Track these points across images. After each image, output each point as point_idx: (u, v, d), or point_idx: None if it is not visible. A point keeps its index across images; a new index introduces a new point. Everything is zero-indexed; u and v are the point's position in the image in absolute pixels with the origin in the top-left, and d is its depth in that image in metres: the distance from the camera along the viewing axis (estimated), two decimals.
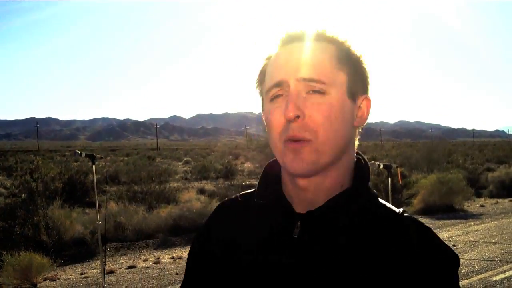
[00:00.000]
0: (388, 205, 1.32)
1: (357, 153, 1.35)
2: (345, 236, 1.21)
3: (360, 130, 1.35)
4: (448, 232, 13.85)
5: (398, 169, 7.21)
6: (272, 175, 1.38)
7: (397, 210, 1.30)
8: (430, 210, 17.75)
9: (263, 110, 1.33)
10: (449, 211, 17.87)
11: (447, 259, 1.20)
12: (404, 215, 1.28)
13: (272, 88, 1.24)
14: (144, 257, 11.74)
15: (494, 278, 8.97)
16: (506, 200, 21.65)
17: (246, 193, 1.47)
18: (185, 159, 53.96)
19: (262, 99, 1.34)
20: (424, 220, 15.94)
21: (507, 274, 9.23)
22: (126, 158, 48.09)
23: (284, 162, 1.23)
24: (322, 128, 1.19)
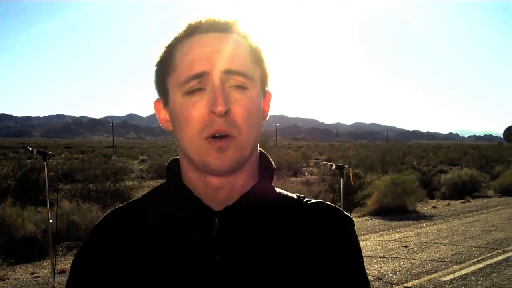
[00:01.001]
0: (285, 192, 1.36)
1: (260, 150, 1.34)
2: (263, 229, 1.22)
3: None
4: (400, 233, 14.06)
5: (350, 170, 7.28)
6: (177, 175, 1.29)
7: (295, 195, 1.35)
8: (383, 211, 18.00)
9: (167, 102, 1.24)
10: (402, 212, 18.15)
11: (349, 225, 1.32)
12: (305, 199, 1.33)
13: (190, 80, 1.16)
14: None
15: (443, 279, 9.14)
16: (457, 202, 22.13)
17: (140, 198, 1.36)
18: (141, 157, 53.67)
19: (167, 92, 1.23)
20: (377, 221, 16.30)
21: (456, 274, 9.41)
22: (81, 156, 47.46)
23: (205, 160, 1.17)
24: (245, 124, 1.17)
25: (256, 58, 1.23)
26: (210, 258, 1.18)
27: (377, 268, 9.96)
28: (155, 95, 1.30)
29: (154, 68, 1.27)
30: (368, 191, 20.08)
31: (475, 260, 10.59)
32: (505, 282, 8.71)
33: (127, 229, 1.26)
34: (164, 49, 1.25)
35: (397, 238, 13.31)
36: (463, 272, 9.60)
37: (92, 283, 1.23)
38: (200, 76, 1.15)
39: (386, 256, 11.08)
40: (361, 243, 10.02)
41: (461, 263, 10.36)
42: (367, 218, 17.32)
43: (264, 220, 1.24)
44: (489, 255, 11.02)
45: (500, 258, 10.58)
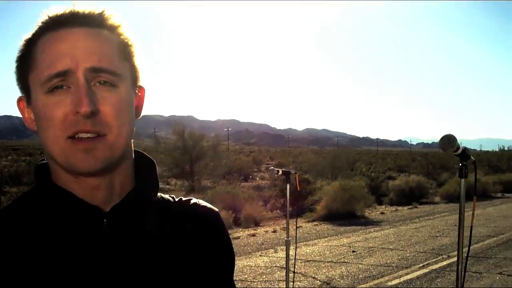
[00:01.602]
0: (165, 195, 1.37)
1: (135, 149, 1.31)
2: (149, 227, 1.22)
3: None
4: (349, 238, 14.22)
5: (297, 175, 7.33)
6: (47, 178, 1.20)
7: (173, 197, 1.37)
8: (332, 216, 18.18)
9: (30, 101, 1.16)
10: (351, 217, 18.37)
11: (219, 221, 1.38)
12: (185, 199, 1.37)
13: (51, 78, 1.08)
14: None
15: (389, 283, 9.28)
16: (405, 208, 22.53)
17: (10, 205, 1.23)
18: None
19: (29, 90, 1.15)
20: (326, 226, 16.46)
21: (402, 279, 9.57)
22: (28, 158, 46.47)
23: (70, 162, 1.10)
24: (116, 122, 1.11)
25: (125, 54, 1.18)
26: (100, 257, 1.14)
27: (325, 272, 10.06)
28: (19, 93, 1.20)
29: (15, 64, 1.18)
30: (317, 197, 20.27)
31: (421, 265, 10.79)
32: (450, 287, 8.90)
33: (10, 235, 1.14)
34: (24, 43, 1.16)
35: (345, 243, 13.46)
36: (408, 277, 9.77)
37: None
38: (63, 74, 1.08)
39: (334, 261, 11.19)
40: (310, 248, 10.15)
41: (407, 268, 10.54)
42: (316, 223, 17.45)
43: (150, 218, 1.24)
44: (434, 260, 11.25)
45: (444, 263, 10.80)
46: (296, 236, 7.86)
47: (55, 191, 1.17)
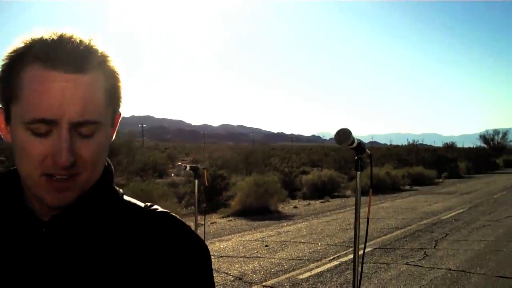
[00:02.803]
0: (134, 201, 1.34)
1: None
2: (94, 235, 1.21)
3: None
4: (262, 233, 14.33)
5: (205, 170, 7.32)
6: (13, 186, 1.23)
7: (142, 204, 1.34)
8: (247, 212, 18.27)
9: (9, 121, 1.15)
10: (265, 212, 18.52)
11: (201, 247, 1.28)
12: (151, 208, 1.32)
13: (35, 122, 1.08)
14: None
15: (301, 276, 9.41)
16: (317, 202, 22.94)
17: None
18: None
19: (9, 114, 1.14)
20: (240, 221, 16.53)
21: (313, 272, 9.72)
22: None
23: (42, 196, 1.13)
24: (92, 165, 1.15)
25: (111, 97, 1.18)
26: (36, 267, 1.17)
27: (238, 268, 10.10)
28: None
29: None
30: (232, 192, 20.33)
31: (331, 257, 11.00)
32: (357, 279, 9.10)
33: None
34: (7, 63, 1.12)
35: (259, 237, 13.56)
36: (319, 269, 9.94)
37: None
38: (47, 123, 1.08)
39: (247, 256, 11.25)
40: (224, 244, 10.15)
41: (318, 261, 10.72)
42: (230, 218, 17.50)
43: (96, 226, 1.22)
44: (344, 252, 11.50)
45: None
46: (204, 232, 7.86)
47: (11, 197, 1.22)
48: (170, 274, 1.20)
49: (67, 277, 1.15)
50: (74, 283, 1.15)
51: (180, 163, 7.51)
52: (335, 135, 3.54)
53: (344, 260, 10.68)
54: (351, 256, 10.90)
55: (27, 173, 1.12)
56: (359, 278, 3.87)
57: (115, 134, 1.29)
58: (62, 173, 1.11)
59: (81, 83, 1.10)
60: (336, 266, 10.16)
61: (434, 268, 9.98)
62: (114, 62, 1.19)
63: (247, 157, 34.41)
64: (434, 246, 12.14)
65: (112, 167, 1.32)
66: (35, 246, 1.18)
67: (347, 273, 9.53)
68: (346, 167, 36.93)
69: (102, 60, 1.15)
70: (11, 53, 1.13)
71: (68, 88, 1.08)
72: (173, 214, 1.30)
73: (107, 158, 1.29)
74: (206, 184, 7.37)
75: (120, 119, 1.29)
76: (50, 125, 1.08)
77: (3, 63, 1.13)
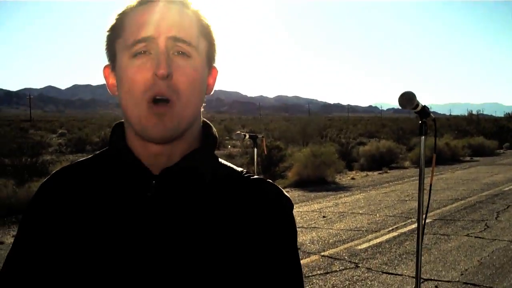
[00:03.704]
0: (230, 165, 1.39)
1: (203, 120, 1.38)
2: (199, 195, 1.26)
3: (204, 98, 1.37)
4: (319, 204, 14.34)
5: (264, 139, 7.33)
6: (120, 138, 1.33)
7: (239, 169, 1.38)
8: (304, 183, 18.30)
9: (114, 66, 1.28)
10: (322, 183, 18.51)
11: (289, 204, 1.34)
12: (247, 174, 1.36)
13: (136, 43, 1.20)
14: (13, 233, 11.30)
15: (359, 247, 9.39)
16: (375, 173, 22.73)
17: (86, 159, 1.40)
18: (60, 131, 52.28)
19: (115, 56, 1.27)
20: (297, 192, 16.55)
21: (371, 243, 9.70)
22: None
23: (145, 126, 1.21)
24: (186, 91, 1.20)
25: (204, 32, 1.28)
26: (143, 216, 1.23)
27: None
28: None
29: (106, 34, 1.30)
30: (289, 163, 20.36)
31: (390, 228, 10.94)
32: (421, 246, 9.03)
33: (71, 187, 1.31)
34: (116, 16, 1.28)
35: (316, 208, 13.58)
36: (378, 240, 9.91)
37: (36, 238, 1.28)
38: (146, 40, 1.19)
39: (305, 226, 11.28)
40: None
41: (376, 232, 10.68)
42: (288, 189, 17.53)
43: (201, 186, 1.28)
44: (403, 223, 11.41)
45: (413, 226, 10.91)
46: None
47: (118, 151, 1.31)
48: (263, 240, 1.25)
49: (171, 232, 1.22)
50: (178, 240, 1.21)
51: (239, 132, 7.54)
52: (399, 98, 3.47)
53: (403, 231, 10.61)
54: (410, 227, 10.85)
55: (134, 102, 1.21)
56: (420, 246, 3.82)
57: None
58: (162, 91, 1.18)
59: (176, 9, 1.24)
60: (394, 237, 10.10)
61: (495, 239, 9.81)
62: (206, 15, 1.31)
63: (303, 128, 34.29)
64: (496, 218, 11.91)
65: (216, 132, 1.40)
66: (143, 200, 1.25)
67: (406, 244, 9.47)
68: (404, 137, 36.46)
69: (194, 7, 1.28)
70: (118, 9, 1.29)
71: (164, 11, 1.22)
72: (269, 180, 1.35)
73: (207, 120, 1.38)
74: (265, 152, 7.42)
75: (217, 75, 1.38)
76: (149, 43, 1.20)
77: (112, 18, 1.29)
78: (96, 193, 1.28)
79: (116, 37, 1.27)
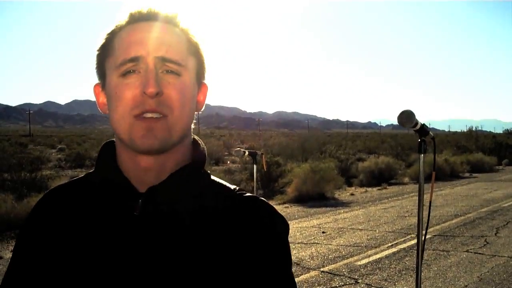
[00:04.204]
0: (223, 182, 1.39)
1: (193, 137, 1.40)
2: (187, 211, 1.26)
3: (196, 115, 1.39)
4: (319, 220, 14.33)
5: (263, 156, 7.36)
6: (109, 156, 1.35)
7: (232, 186, 1.37)
8: (303, 198, 18.28)
9: (104, 85, 1.30)
10: (321, 199, 18.50)
11: (283, 225, 1.33)
12: (239, 192, 1.35)
13: (125, 63, 1.22)
14: (12, 248, 11.27)
15: (359, 263, 9.39)
16: (374, 189, 22.70)
17: (79, 178, 1.43)
18: (59, 146, 52.25)
19: (105, 75, 1.29)
20: (296, 208, 16.55)
21: (371, 258, 9.69)
22: None
23: (133, 138, 1.22)
24: (177, 105, 1.22)
25: (193, 50, 1.30)
26: (130, 236, 1.23)
27: (295, 254, 10.12)
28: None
29: (96, 53, 1.32)
30: (288, 179, 20.34)
31: (389, 244, 10.94)
32: (420, 261, 9.02)
33: (63, 206, 1.34)
34: (106, 35, 1.30)
35: (315, 224, 13.56)
36: (377, 256, 9.90)
37: (29, 255, 1.32)
38: (135, 60, 1.22)
39: (304, 242, 11.27)
40: None
41: (376, 247, 10.67)
42: (287, 205, 17.53)
43: (189, 205, 1.27)
44: (402, 239, 11.40)
45: (413, 242, 10.92)
46: None
47: (106, 169, 1.32)
48: (254, 262, 1.24)
49: (158, 252, 1.22)
50: (165, 258, 1.21)
51: (238, 148, 7.57)
52: (398, 117, 3.51)
53: (402, 247, 10.60)
54: (410, 243, 10.85)
55: (120, 116, 1.23)
56: (420, 262, 3.83)
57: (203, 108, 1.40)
58: (151, 108, 1.20)
59: (164, 28, 1.26)
60: (394, 253, 10.09)
61: (495, 255, 9.81)
62: (196, 32, 1.33)
63: (302, 144, 34.39)
64: (495, 234, 11.92)
65: (205, 148, 1.40)
66: (130, 218, 1.25)
67: (406, 260, 9.46)
68: (403, 154, 36.43)
69: (183, 24, 1.31)
70: (108, 29, 1.31)
71: (153, 31, 1.25)
72: (262, 198, 1.34)
73: (199, 139, 1.40)
74: (265, 168, 7.44)
75: (207, 91, 1.39)
76: (138, 63, 1.22)
77: (102, 37, 1.31)
78: (86, 212, 1.29)
79: (105, 56, 1.29)
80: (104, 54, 1.29)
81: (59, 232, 1.29)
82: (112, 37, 1.28)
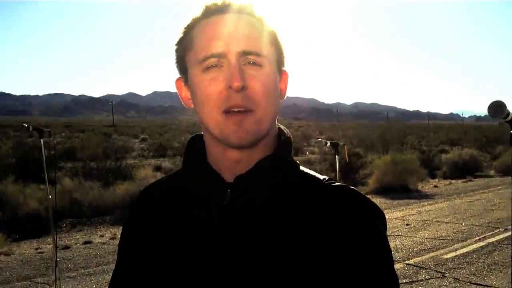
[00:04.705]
0: (312, 172, 1.35)
1: (278, 126, 1.38)
2: (276, 200, 1.25)
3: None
4: (402, 212, 14.12)
5: (345, 147, 7.26)
6: (196, 150, 1.36)
7: (321, 176, 1.33)
8: (385, 190, 18.05)
9: (187, 80, 1.31)
10: (403, 191, 18.19)
11: (377, 215, 1.27)
12: (329, 181, 1.31)
13: (207, 58, 1.22)
14: (101, 233, 11.70)
15: (445, 256, 9.19)
16: (459, 181, 22.14)
17: (171, 174, 1.46)
18: (141, 136, 53.50)
19: (186, 69, 1.30)
20: (379, 199, 16.33)
21: (458, 252, 9.46)
22: (81, 135, 47.40)
23: (225, 133, 1.22)
24: (263, 98, 1.22)
25: (271, 39, 1.28)
26: (221, 225, 1.24)
27: None
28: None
29: (174, 48, 1.33)
30: (369, 170, 20.13)
31: (477, 238, 10.65)
32: (507, 260, 8.74)
33: (158, 200, 1.38)
34: (183, 29, 1.30)
35: (399, 216, 13.37)
36: (465, 250, 9.66)
37: (130, 247, 1.39)
38: (217, 56, 1.21)
39: (388, 234, 11.01)
40: None
41: (462, 241, 10.42)
42: (369, 196, 17.31)
43: (278, 193, 1.26)
44: (490, 233, 11.07)
45: (501, 236, 10.63)
46: None
47: (196, 162, 1.35)
48: (353, 252, 1.19)
49: (249, 240, 1.21)
50: (256, 247, 1.20)
51: (320, 139, 7.52)
52: (488, 107, 3.36)
53: (491, 241, 10.30)
54: (499, 237, 10.53)
55: (209, 113, 1.23)
56: None
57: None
58: (238, 103, 1.20)
59: (242, 20, 1.25)
60: (482, 247, 9.82)
61: None
62: (272, 21, 1.31)
63: (382, 135, 33.86)
64: None
65: (291, 137, 1.37)
66: (221, 208, 1.25)
67: (495, 254, 9.19)
68: (488, 146, 35.38)
69: (259, 14, 1.29)
70: (185, 23, 1.31)
71: (231, 25, 1.23)
72: (353, 188, 1.29)
73: (285, 128, 1.37)
74: (347, 160, 7.34)
75: (288, 79, 1.38)
76: (220, 58, 1.22)
77: (179, 32, 1.32)
78: (180, 205, 1.32)
79: (185, 51, 1.30)
80: (183, 49, 1.30)
81: (156, 226, 1.33)
82: (189, 31, 1.29)
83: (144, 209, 1.39)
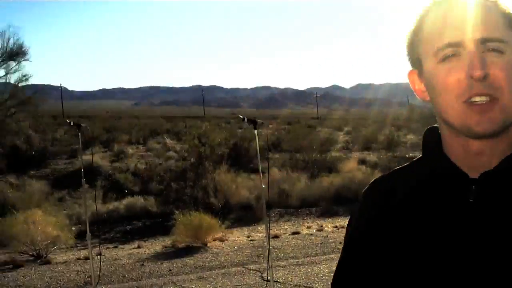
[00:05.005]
0: None
1: None
2: None
3: None
4: None
5: None
6: (433, 142, 1.29)
7: None
8: None
9: (421, 72, 1.25)
10: None
11: None
12: None
13: (444, 48, 1.15)
14: (308, 224, 11.96)
15: None
16: None
17: (403, 166, 1.39)
18: (346, 129, 53.78)
19: (420, 61, 1.24)
20: None
21: None
22: (287, 127, 48.75)
23: (467, 124, 1.14)
24: (506, 86, 1.12)
25: (509, 23, 1.18)
26: (468, 223, 1.16)
27: None
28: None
29: (406, 40, 1.28)
30: None
31: None
32: None
33: (389, 194, 1.30)
34: (414, 20, 1.25)
35: None
36: None
37: (365, 242, 1.30)
38: (454, 45, 1.14)
39: None
40: None
41: None
42: None
43: None
44: None
45: None
46: None
47: (432, 157, 1.28)
48: None
49: (498, 240, 1.12)
50: (506, 248, 1.11)
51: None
52: None
53: None
54: None
55: (447, 104, 1.16)
56: None
57: None
58: (480, 92, 1.11)
59: (476, 5, 1.16)
60: None
61: None
62: (508, 3, 1.20)
63: None
64: None
65: None
66: (465, 205, 1.18)
67: None
68: None
69: None
70: (417, 12, 1.26)
71: (465, 11, 1.15)
72: None
73: None
74: None
75: None
76: (456, 47, 1.14)
77: (411, 22, 1.26)
78: (415, 200, 1.25)
79: (417, 43, 1.24)
80: (415, 39, 1.24)
81: (398, 222, 1.25)
82: (421, 21, 1.23)
83: (373, 205, 1.33)
